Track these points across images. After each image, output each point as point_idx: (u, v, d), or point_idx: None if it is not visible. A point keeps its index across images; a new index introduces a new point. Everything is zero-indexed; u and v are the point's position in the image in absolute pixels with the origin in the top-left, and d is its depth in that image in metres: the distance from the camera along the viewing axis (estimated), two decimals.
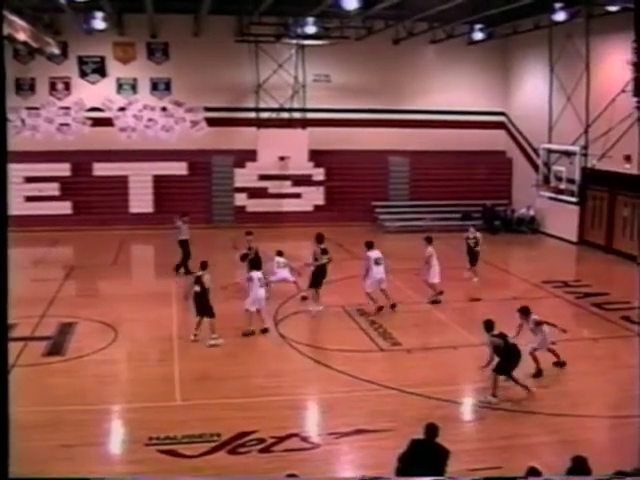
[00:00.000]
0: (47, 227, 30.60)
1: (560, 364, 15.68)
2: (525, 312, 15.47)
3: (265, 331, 17.98)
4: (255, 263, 20.54)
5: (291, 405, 13.69)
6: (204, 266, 17.33)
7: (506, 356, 13.87)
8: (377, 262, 19.68)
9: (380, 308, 19.60)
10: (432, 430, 9.18)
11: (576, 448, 9.79)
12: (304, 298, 20.51)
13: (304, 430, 12.64)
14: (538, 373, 15.24)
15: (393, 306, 19.87)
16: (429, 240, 21.12)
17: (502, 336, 14.02)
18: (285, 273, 20.76)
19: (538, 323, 15.33)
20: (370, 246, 20.08)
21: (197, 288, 17.05)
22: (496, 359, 14.05)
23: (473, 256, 23.69)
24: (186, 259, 23.93)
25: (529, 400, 13.76)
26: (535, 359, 15.30)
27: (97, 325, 18.37)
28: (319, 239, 20.30)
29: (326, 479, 11.07)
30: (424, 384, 14.47)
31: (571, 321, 20.56)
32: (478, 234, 24.00)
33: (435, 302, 20.67)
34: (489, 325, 14.24)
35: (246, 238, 21.65)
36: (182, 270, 23.87)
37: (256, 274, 18.06)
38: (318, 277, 19.85)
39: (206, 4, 27.38)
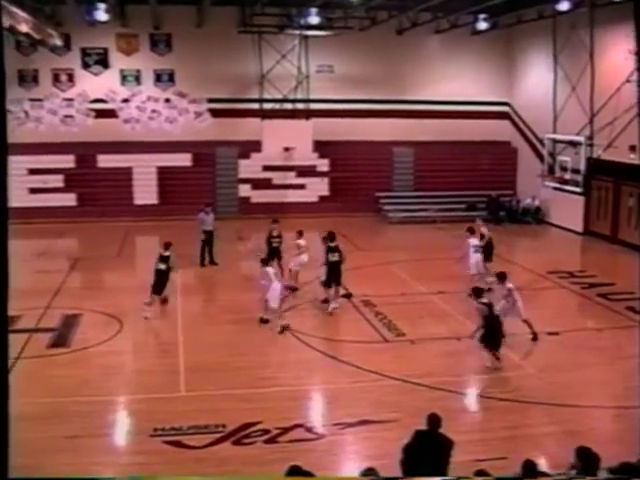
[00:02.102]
0: (51, 219, 30.64)
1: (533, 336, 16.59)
2: (501, 277, 16.67)
3: (265, 322, 17.98)
4: (275, 252, 21.40)
5: (296, 396, 13.72)
6: (167, 246, 19.13)
7: (489, 326, 14.51)
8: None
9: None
10: (435, 421, 9.16)
11: (580, 438, 9.79)
12: (325, 301, 19.47)
13: (309, 421, 12.67)
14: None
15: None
16: (471, 231, 21.06)
17: (489, 305, 14.74)
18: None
19: (510, 290, 16.41)
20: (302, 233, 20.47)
21: (162, 266, 18.62)
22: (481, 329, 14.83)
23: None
24: (210, 249, 23.98)
25: (533, 390, 13.77)
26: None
27: (102, 317, 18.40)
28: (330, 238, 19.54)
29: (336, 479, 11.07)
30: (428, 375, 14.48)
31: (576, 311, 20.62)
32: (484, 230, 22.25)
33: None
34: (478, 292, 15.03)
35: (271, 226, 21.88)
36: (207, 261, 23.98)
37: (271, 270, 18.19)
38: (329, 275, 19.26)
39: None
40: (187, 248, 24.67)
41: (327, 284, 19.37)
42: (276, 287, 17.76)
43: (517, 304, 16.38)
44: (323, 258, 19.43)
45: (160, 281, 18.66)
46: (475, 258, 20.44)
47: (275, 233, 21.89)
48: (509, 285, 16.59)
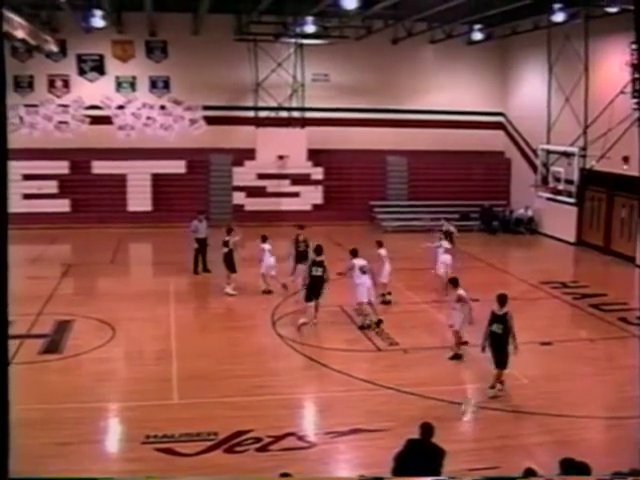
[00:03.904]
0: (45, 225, 30.57)
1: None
2: (454, 283, 16.52)
3: (268, 292, 21.44)
4: (302, 256, 21.48)
5: (288, 404, 13.70)
6: (229, 231, 21.98)
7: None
8: (362, 270, 18.70)
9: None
10: (427, 430, 9.15)
11: (572, 449, 9.81)
12: (284, 286, 21.48)
13: (301, 429, 12.65)
14: (456, 356, 16.16)
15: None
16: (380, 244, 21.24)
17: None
18: (272, 261, 21.50)
19: (460, 299, 16.06)
20: (355, 254, 19.12)
21: (225, 249, 21.55)
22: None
23: None
24: (203, 257, 23.97)
25: (526, 400, 13.77)
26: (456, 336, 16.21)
27: (94, 323, 18.37)
28: (317, 251, 19.02)
29: (325, 479, 11.07)
30: (421, 384, 14.46)
31: (569, 322, 20.64)
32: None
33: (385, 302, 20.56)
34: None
35: (297, 232, 22.17)
36: (200, 268, 23.98)
37: (267, 246, 21.44)
38: (309, 290, 18.70)
39: (205, 2, 27.34)
40: (180, 255, 24.72)
41: (308, 298, 18.67)
42: (267, 262, 21.31)
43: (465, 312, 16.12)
44: (305, 273, 19.07)
45: (228, 263, 21.62)
46: (443, 259, 21.89)
47: (301, 238, 22.17)
48: (460, 291, 16.30)
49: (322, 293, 18.71)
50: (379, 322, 18.57)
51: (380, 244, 20.78)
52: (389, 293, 20.84)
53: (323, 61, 34.37)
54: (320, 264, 18.68)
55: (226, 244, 21.65)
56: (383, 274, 20.32)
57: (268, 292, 21.47)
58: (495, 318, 14.01)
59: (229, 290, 21.52)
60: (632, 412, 12.32)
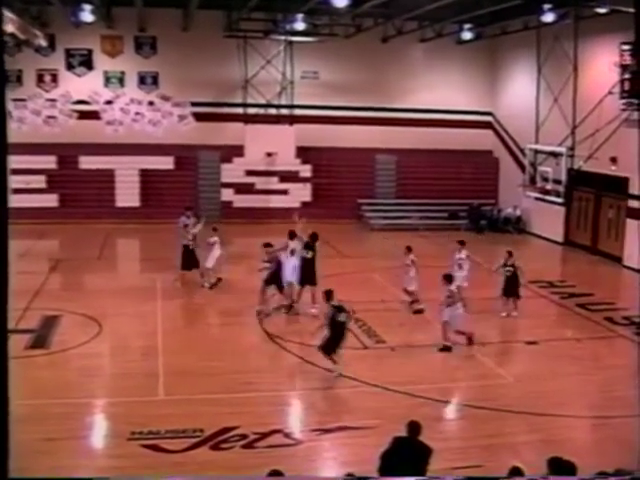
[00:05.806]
0: (33, 220, 30.29)
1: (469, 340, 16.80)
2: (448, 279, 16.89)
3: (212, 286, 21.44)
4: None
5: (274, 401, 13.69)
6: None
7: (332, 331, 14.53)
8: (292, 252, 19.20)
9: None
10: (414, 428, 9.17)
11: (557, 448, 9.84)
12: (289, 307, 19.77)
13: (287, 426, 12.64)
14: (445, 348, 16.47)
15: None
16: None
17: (337, 308, 14.70)
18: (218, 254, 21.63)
19: (450, 295, 16.67)
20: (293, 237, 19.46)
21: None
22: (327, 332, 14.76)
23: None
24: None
25: (511, 399, 13.80)
26: (444, 333, 16.57)
27: (81, 318, 18.30)
28: (313, 238, 19.54)
29: (312, 477, 11.08)
30: (408, 382, 14.48)
31: (555, 321, 20.70)
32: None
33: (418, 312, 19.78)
34: (329, 294, 15.11)
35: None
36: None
37: (216, 238, 21.58)
38: (300, 273, 19.26)
39: None
40: (168, 251, 24.65)
41: (300, 282, 19.25)
42: (215, 254, 21.40)
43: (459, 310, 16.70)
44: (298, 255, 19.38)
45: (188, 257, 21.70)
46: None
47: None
48: (452, 287, 16.83)
49: (315, 277, 19.18)
50: (290, 307, 19.27)
51: (409, 249, 19.79)
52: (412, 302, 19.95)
53: (312, 59, 34.39)
54: (310, 247, 19.28)
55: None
56: (411, 282, 19.56)
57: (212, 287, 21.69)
58: (339, 308, 14.82)
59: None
60: (617, 411, 12.42)
